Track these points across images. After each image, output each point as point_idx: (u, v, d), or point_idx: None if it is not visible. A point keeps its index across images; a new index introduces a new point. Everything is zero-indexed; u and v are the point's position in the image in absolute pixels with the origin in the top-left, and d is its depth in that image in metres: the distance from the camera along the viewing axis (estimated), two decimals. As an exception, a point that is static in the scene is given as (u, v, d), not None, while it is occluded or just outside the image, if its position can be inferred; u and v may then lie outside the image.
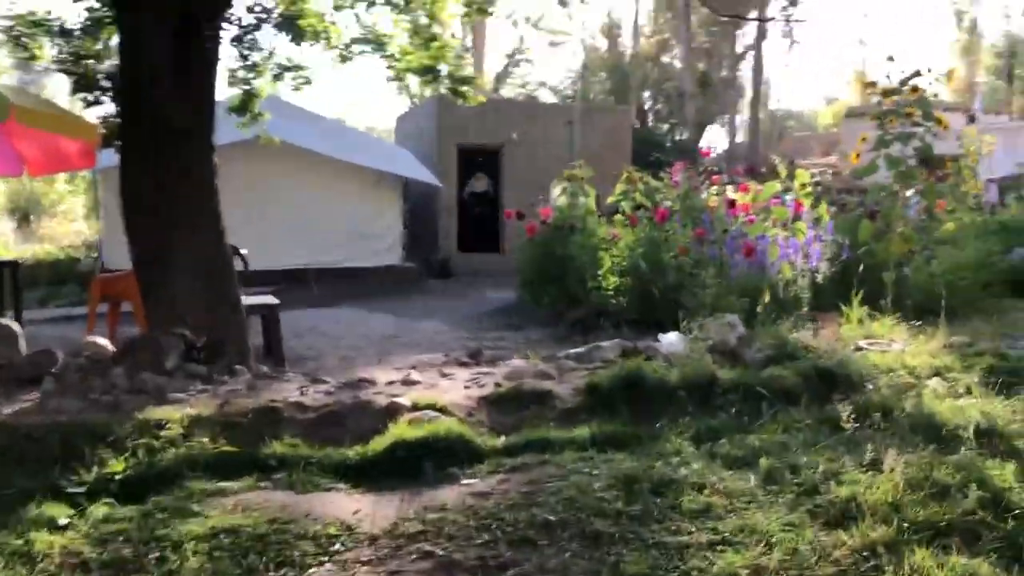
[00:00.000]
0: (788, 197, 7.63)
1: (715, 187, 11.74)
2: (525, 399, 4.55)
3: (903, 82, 8.42)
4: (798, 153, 30.04)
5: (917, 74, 7.99)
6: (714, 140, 37.23)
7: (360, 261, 14.14)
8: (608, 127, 17.27)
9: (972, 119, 31.40)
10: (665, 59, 31.53)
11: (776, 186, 6.90)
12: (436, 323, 9.49)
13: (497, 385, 4.80)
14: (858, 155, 8.77)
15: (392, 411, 4.25)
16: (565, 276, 9.17)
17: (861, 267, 7.74)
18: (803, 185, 7.25)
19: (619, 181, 10.53)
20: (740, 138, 32.44)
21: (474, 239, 16.82)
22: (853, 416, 4.03)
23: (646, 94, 29.66)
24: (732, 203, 9.35)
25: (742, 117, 26.81)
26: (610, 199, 10.52)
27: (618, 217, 9.67)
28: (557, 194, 12.10)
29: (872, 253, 7.81)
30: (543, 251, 9.61)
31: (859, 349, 5.64)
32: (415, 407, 4.32)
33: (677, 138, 24.80)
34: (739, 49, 26.57)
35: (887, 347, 5.61)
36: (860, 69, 51.99)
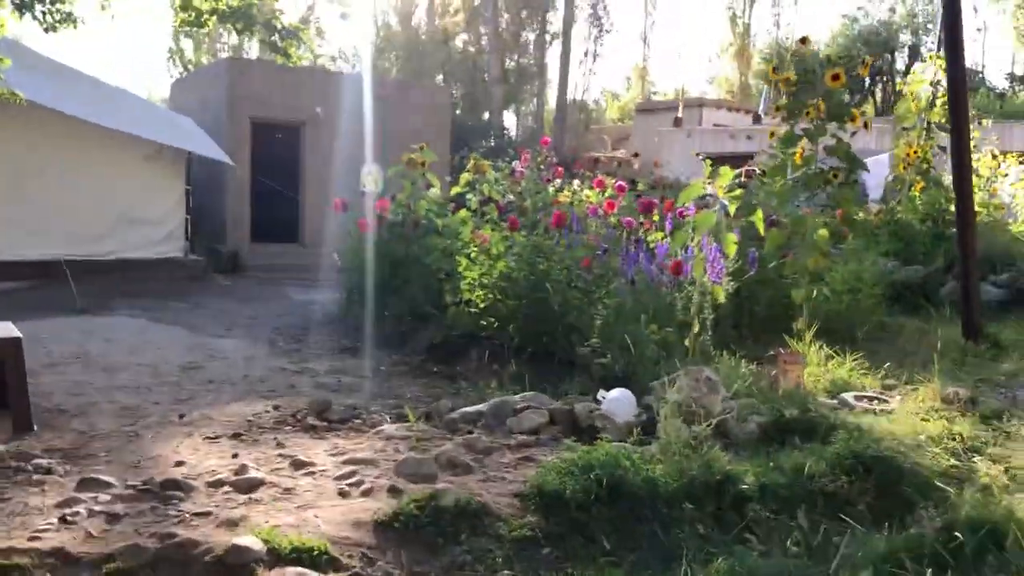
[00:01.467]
0: (713, 199, 6.36)
1: (558, 180, 10.49)
2: (447, 521, 2.92)
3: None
4: (591, 146, 29.71)
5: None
6: (509, 127, 36.45)
7: (134, 252, 11.61)
8: (426, 106, 15.58)
9: (757, 119, 32.44)
10: (459, 40, 30.19)
11: (700, 187, 5.64)
12: (242, 341, 7.48)
13: (393, 491, 3.13)
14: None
15: (234, 569, 2.51)
16: (408, 286, 7.48)
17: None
18: (727, 186, 6.04)
19: (463, 170, 8.96)
20: (535, 126, 31.75)
21: (268, 228, 14.60)
22: (948, 542, 2.75)
23: (439, 77, 28.17)
24: (611, 204, 8.06)
25: (539, 106, 25.95)
26: (453, 190, 8.90)
27: (463, 213, 8.10)
28: (369, 177, 10.33)
29: (780, 267, 6.77)
30: (381, 253, 7.86)
31: (847, 406, 4.47)
32: (276, 556, 2.60)
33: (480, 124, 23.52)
34: (547, 33, 25.72)
35: (881, 403, 4.47)
36: (641, 65, 53.58)
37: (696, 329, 5.32)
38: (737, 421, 3.73)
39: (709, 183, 5.64)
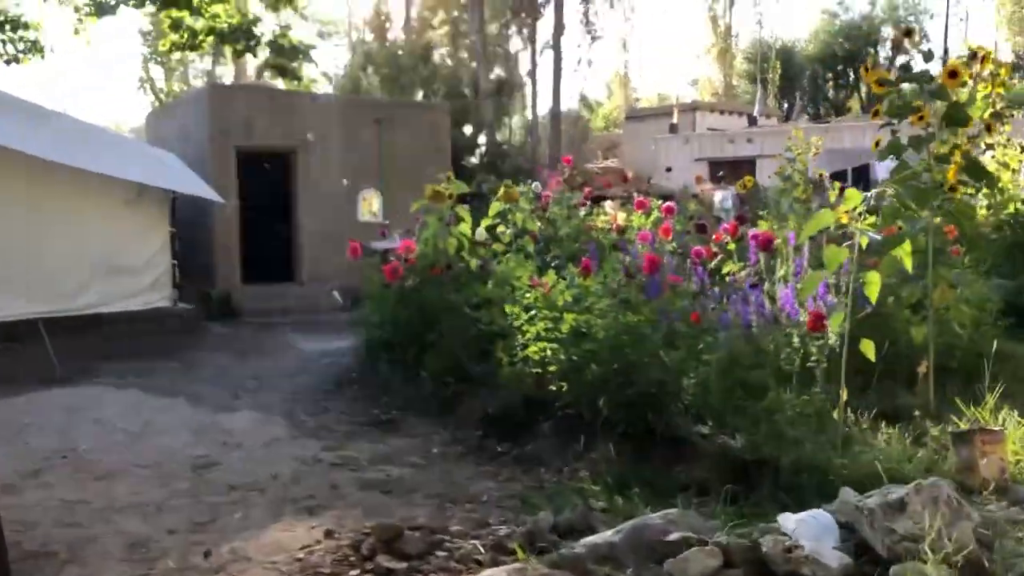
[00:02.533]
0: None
1: (586, 203, 9.47)
2: None
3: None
4: (588, 158, 28.74)
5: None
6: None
7: (116, 305, 10.40)
8: (423, 127, 14.50)
9: (753, 121, 31.67)
10: (440, 54, 29.13)
11: (830, 217, 4.56)
12: (255, 415, 6.35)
13: None
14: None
15: None
16: (447, 340, 6.39)
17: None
18: (854, 210, 4.96)
19: (495, 198, 7.89)
20: (519, 139, 30.70)
21: (261, 266, 13.44)
22: None
23: (420, 94, 27.05)
24: (667, 230, 7.03)
25: (527, 118, 24.95)
26: (484, 222, 7.82)
27: (511, 261, 7.07)
28: (367, 204, 9.27)
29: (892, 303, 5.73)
30: (409, 301, 6.79)
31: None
32: None
33: (480, 141, 22.52)
34: (538, 44, 24.75)
35: None
36: (623, 72, 52.82)
37: (844, 396, 4.26)
38: (1001, 563, 2.68)
39: (841, 211, 4.58)
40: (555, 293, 5.38)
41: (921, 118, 5.62)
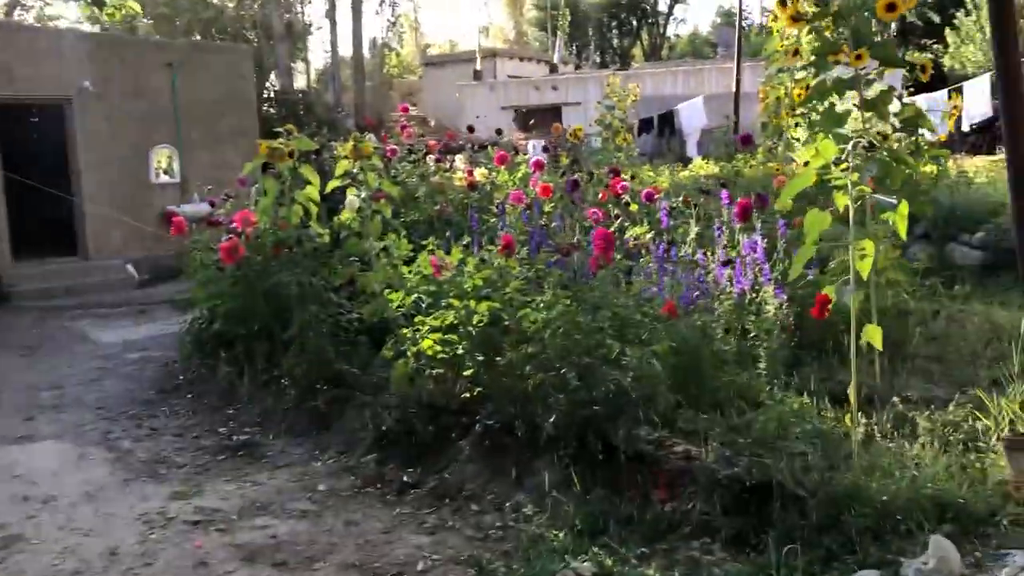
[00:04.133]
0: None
1: (430, 158, 8.43)
2: None
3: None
4: (394, 105, 27.32)
5: None
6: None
7: None
8: (222, 72, 12.66)
9: (554, 69, 31.38)
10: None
11: (811, 176, 3.73)
12: (62, 447, 4.86)
13: None
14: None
15: None
16: (312, 335, 5.17)
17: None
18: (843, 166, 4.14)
19: (339, 154, 6.62)
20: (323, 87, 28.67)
21: (36, 239, 11.28)
22: None
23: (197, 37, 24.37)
24: (547, 189, 6.10)
25: (333, 63, 23.09)
26: (330, 184, 6.53)
27: (346, 215, 5.89)
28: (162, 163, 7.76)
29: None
30: (257, 288, 5.48)
31: None
32: None
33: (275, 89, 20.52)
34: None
35: None
36: (413, 16, 51.16)
37: (854, 400, 3.52)
38: None
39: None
40: (469, 278, 4.32)
41: (859, 57, 4.96)
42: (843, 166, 3.65)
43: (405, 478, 4.04)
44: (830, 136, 4.73)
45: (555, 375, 3.68)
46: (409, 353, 4.52)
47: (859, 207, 3.91)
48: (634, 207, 5.72)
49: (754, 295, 4.82)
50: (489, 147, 8.99)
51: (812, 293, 4.80)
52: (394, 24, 26.88)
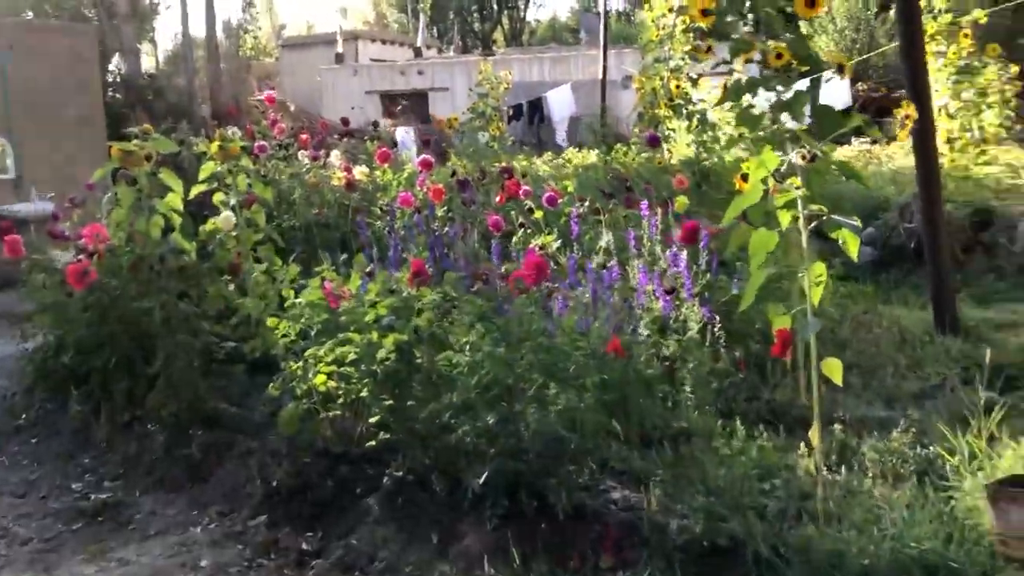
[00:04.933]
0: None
1: (304, 154, 7.79)
2: None
3: None
4: (237, 87, 25.94)
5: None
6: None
7: None
8: (61, 56, 11.42)
9: (418, 53, 30.66)
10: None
11: (756, 192, 3.32)
12: None
13: None
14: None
15: None
16: (180, 368, 4.48)
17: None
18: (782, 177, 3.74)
19: (204, 156, 5.87)
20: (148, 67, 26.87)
21: None
22: None
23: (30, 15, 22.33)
24: (439, 192, 5.61)
25: (184, 45, 21.56)
26: (194, 189, 5.76)
27: (251, 236, 5.25)
28: None
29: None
30: (113, 314, 4.73)
31: None
32: None
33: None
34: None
35: None
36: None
37: (817, 438, 3.18)
38: None
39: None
40: (363, 305, 3.76)
41: (779, 56, 4.66)
42: (794, 181, 3.30)
43: (304, 545, 3.47)
44: (751, 139, 4.44)
45: (481, 425, 3.19)
46: (299, 391, 3.94)
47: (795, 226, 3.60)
48: (539, 214, 5.29)
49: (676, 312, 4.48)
50: (368, 140, 8.38)
51: (745, 316, 4.52)
52: (250, 4, 25.42)
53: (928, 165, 5.32)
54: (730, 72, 4.72)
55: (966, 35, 9.74)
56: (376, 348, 3.66)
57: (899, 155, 11.44)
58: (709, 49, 5.32)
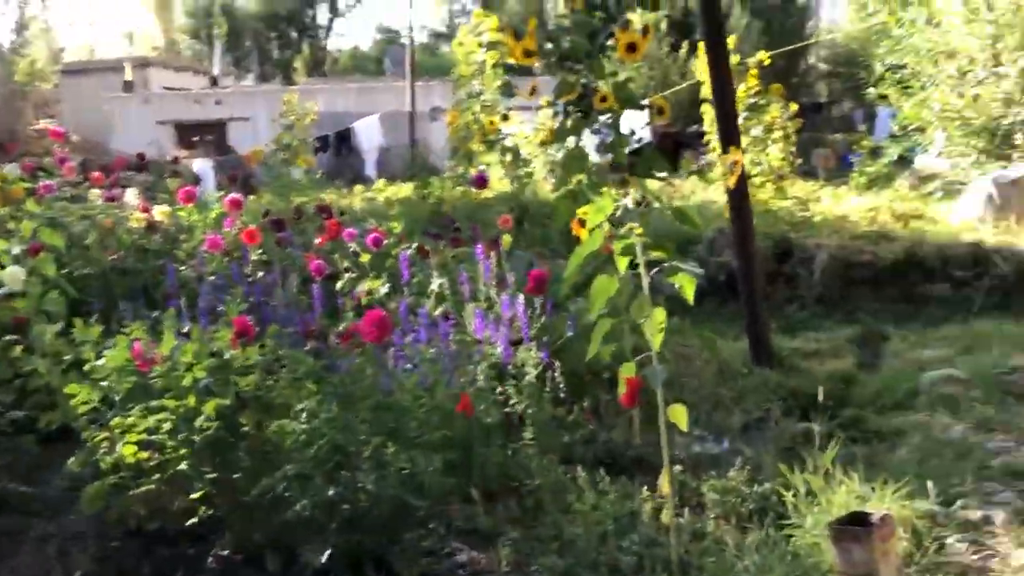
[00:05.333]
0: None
1: (95, 191, 7.20)
2: None
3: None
4: (11, 116, 23.90)
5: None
6: None
7: None
8: None
9: (215, 81, 29.54)
10: None
11: (598, 239, 3.14)
12: None
13: None
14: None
15: None
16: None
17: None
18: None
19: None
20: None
21: None
22: None
23: None
24: (252, 235, 5.27)
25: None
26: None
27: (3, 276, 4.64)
28: None
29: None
30: None
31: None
32: None
33: None
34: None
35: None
36: (42, 17, 45.69)
37: (667, 485, 3.14)
38: None
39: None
40: (176, 368, 3.39)
41: (604, 100, 4.69)
42: (634, 227, 3.29)
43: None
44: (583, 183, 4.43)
45: (319, 497, 2.93)
46: (105, 464, 3.50)
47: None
48: (365, 257, 5.06)
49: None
50: (167, 176, 7.81)
51: (578, 354, 4.48)
52: (25, 27, 23.49)
53: (740, 201, 5.55)
54: (538, 108, 4.71)
55: (753, 75, 10.43)
56: (195, 415, 3.31)
57: (699, 190, 12.08)
58: (534, 90, 5.32)
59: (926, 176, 13.26)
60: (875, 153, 13.00)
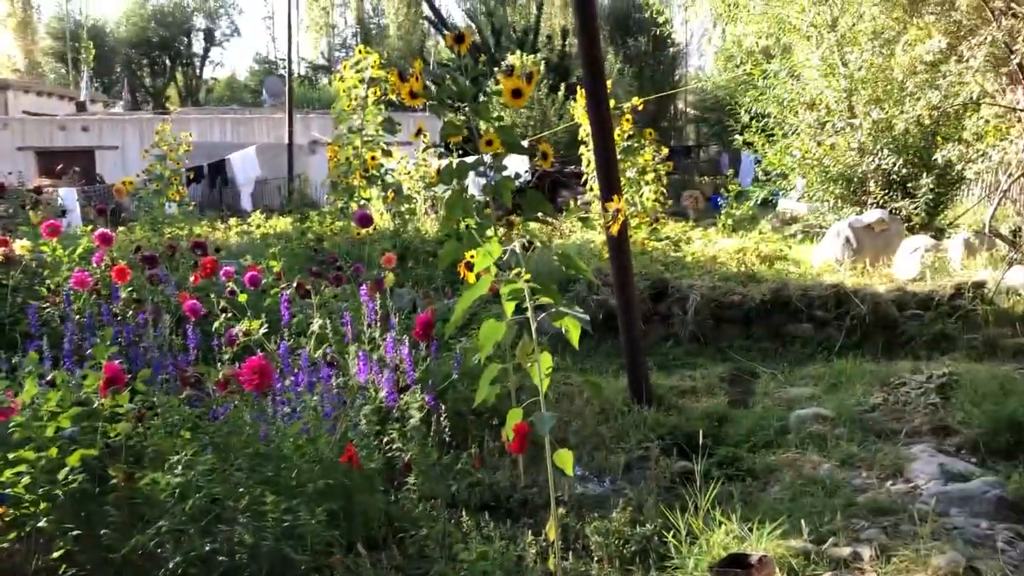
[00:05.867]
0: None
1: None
2: None
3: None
4: None
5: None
6: None
7: None
8: None
9: (82, 107, 28.36)
10: None
11: (486, 284, 3.07)
12: None
13: None
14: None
15: None
16: None
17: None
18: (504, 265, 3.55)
19: None
20: None
21: None
22: None
23: None
24: (123, 272, 5.06)
25: None
26: None
27: None
28: None
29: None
30: None
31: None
32: None
33: None
34: None
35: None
36: None
37: (554, 532, 3.13)
38: None
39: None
40: (37, 417, 3.17)
41: (490, 143, 4.73)
42: (521, 272, 3.32)
43: None
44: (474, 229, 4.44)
45: (196, 552, 2.80)
46: None
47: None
48: (243, 297, 4.90)
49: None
50: (29, 207, 7.37)
51: (467, 396, 4.48)
52: None
53: (620, 245, 5.68)
54: (426, 148, 4.70)
55: (627, 119, 10.77)
56: (58, 467, 3.11)
57: (577, 228, 12.32)
58: (420, 132, 5.32)
59: (788, 219, 13.98)
60: (740, 196, 13.61)
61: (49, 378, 3.32)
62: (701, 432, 4.76)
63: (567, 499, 4.24)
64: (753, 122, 12.58)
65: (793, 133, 12.10)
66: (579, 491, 4.45)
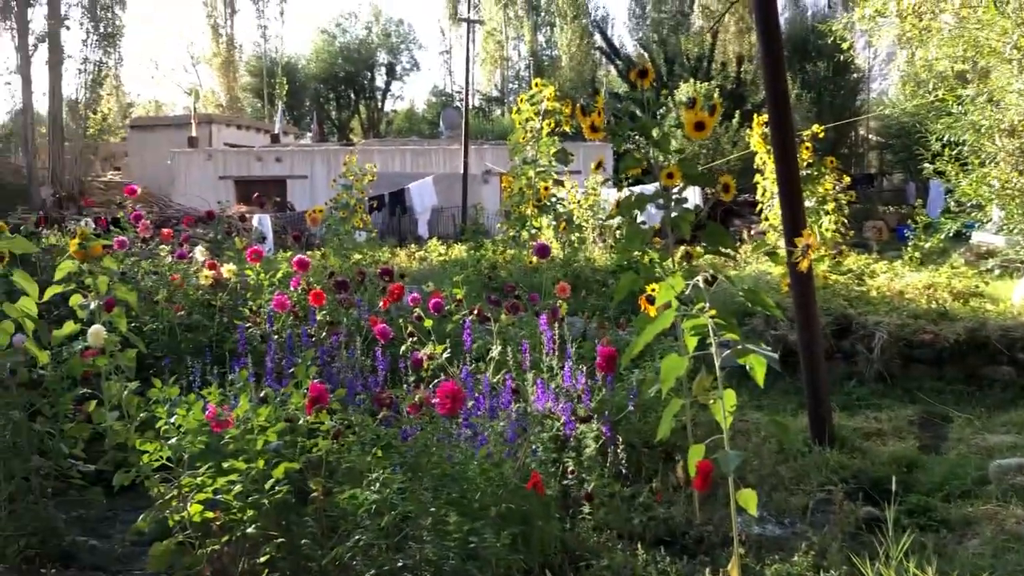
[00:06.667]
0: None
1: (165, 247, 7.40)
2: None
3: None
4: (81, 168, 24.75)
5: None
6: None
7: None
8: None
9: (276, 139, 30.30)
10: None
11: (669, 318, 3.14)
12: None
13: None
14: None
15: None
16: (21, 496, 3.99)
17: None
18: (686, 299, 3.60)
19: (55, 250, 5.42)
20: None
21: None
22: None
23: None
24: (319, 296, 5.37)
25: (25, 126, 20.37)
26: (49, 291, 5.26)
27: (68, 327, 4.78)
28: None
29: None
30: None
31: None
32: None
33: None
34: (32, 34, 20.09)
35: None
36: (113, 72, 47.51)
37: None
38: None
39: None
40: (249, 430, 3.45)
41: (671, 176, 4.74)
42: (704, 306, 3.30)
43: None
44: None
45: (391, 567, 2.95)
46: (171, 522, 3.56)
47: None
48: (428, 323, 5.12)
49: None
50: (235, 236, 8.01)
51: (640, 428, 4.49)
52: (101, 84, 24.43)
53: (804, 277, 5.51)
54: (604, 182, 4.74)
55: (807, 147, 10.44)
56: (264, 477, 3.36)
57: (752, 260, 12.03)
58: (599, 165, 5.41)
59: (983, 253, 13.09)
60: (928, 227, 12.86)
61: (262, 395, 3.59)
62: (892, 478, 4.55)
63: (745, 539, 4.15)
64: (945, 150, 11.89)
65: (991, 162, 11.35)
66: (756, 531, 4.34)
